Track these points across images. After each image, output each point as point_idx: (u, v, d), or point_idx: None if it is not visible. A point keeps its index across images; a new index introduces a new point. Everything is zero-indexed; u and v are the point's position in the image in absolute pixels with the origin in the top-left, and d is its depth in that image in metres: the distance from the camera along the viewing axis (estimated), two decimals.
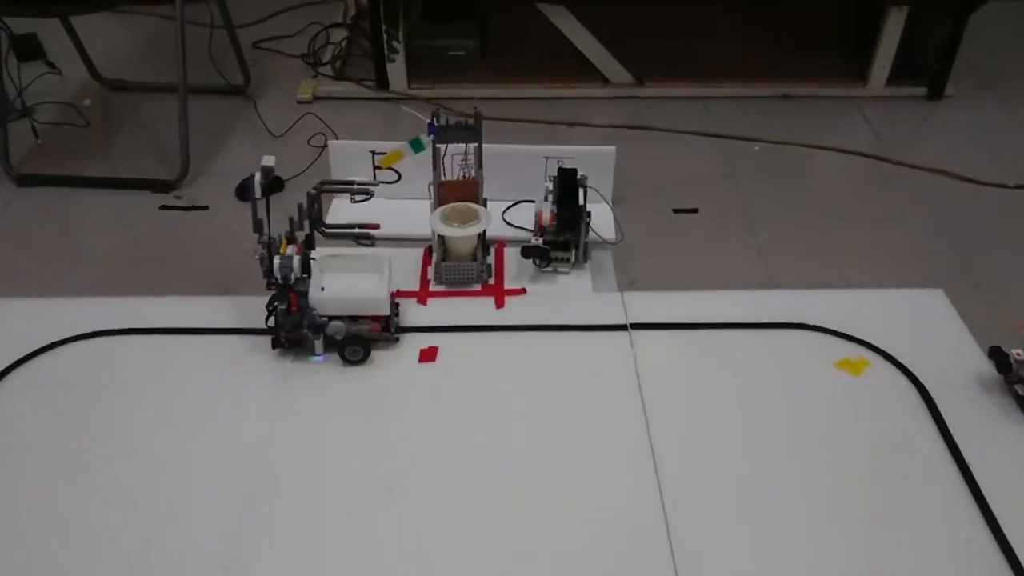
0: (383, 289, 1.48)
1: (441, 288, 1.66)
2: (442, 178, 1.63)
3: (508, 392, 1.45)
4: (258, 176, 1.43)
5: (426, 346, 1.51)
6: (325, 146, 1.96)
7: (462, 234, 1.60)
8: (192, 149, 2.03)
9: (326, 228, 1.51)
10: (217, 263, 1.75)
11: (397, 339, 1.51)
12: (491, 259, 1.73)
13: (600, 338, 1.56)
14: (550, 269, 1.71)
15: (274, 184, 1.97)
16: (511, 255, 1.76)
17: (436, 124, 1.51)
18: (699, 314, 1.61)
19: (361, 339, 1.47)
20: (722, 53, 2.50)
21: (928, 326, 1.61)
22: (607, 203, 1.81)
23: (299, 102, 2.31)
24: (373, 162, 1.85)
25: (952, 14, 2.26)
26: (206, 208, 1.91)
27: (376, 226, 1.52)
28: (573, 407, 1.43)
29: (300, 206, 1.47)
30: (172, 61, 1.99)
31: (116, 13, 2.77)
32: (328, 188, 1.53)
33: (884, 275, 1.74)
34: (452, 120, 1.56)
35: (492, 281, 1.69)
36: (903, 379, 1.49)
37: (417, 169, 1.66)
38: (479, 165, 1.63)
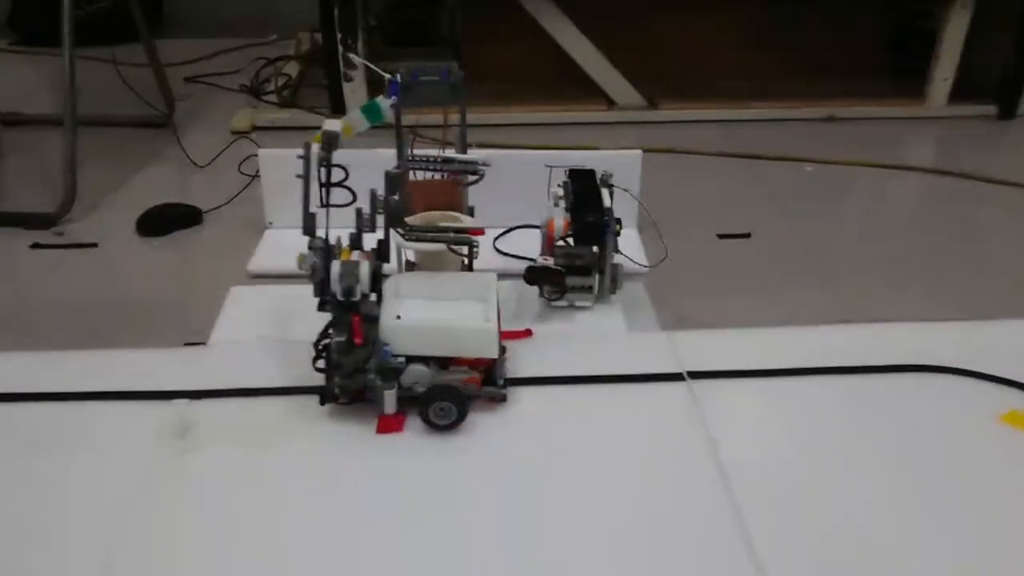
0: (491, 320, 1.00)
1: None
2: (411, 176, 1.16)
3: (513, 477, 0.94)
4: (316, 148, 0.95)
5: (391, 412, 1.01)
6: (256, 175, 1.51)
7: (439, 249, 1.12)
8: (91, 182, 1.58)
9: (410, 231, 1.03)
10: (94, 310, 1.25)
11: (504, 397, 1.02)
12: None
13: (645, 393, 1.06)
14: (564, 303, 1.22)
15: (190, 216, 1.53)
16: (509, 288, 1.27)
17: (400, 82, 1.05)
18: (778, 357, 1.12)
19: (455, 393, 0.98)
20: (747, 72, 2.10)
21: None
22: (637, 199, 1.33)
23: (234, 132, 1.87)
24: (319, 177, 1.39)
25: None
26: (94, 246, 1.43)
27: (481, 231, 1.06)
28: (615, 493, 0.92)
29: (373, 194, 0.99)
30: (79, 97, 1.56)
31: (24, 54, 2.40)
32: (419, 164, 1.04)
33: (1006, 304, 1.28)
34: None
35: None
36: None
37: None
38: (463, 151, 1.17)
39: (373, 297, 0.98)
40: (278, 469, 0.94)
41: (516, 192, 1.39)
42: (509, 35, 1.99)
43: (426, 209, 1.19)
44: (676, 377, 1.08)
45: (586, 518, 0.89)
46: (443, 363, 0.99)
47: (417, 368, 0.98)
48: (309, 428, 0.99)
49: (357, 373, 0.96)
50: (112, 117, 1.89)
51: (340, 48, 1.82)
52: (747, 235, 1.47)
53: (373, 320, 0.96)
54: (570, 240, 1.21)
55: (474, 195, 1.23)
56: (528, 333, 1.17)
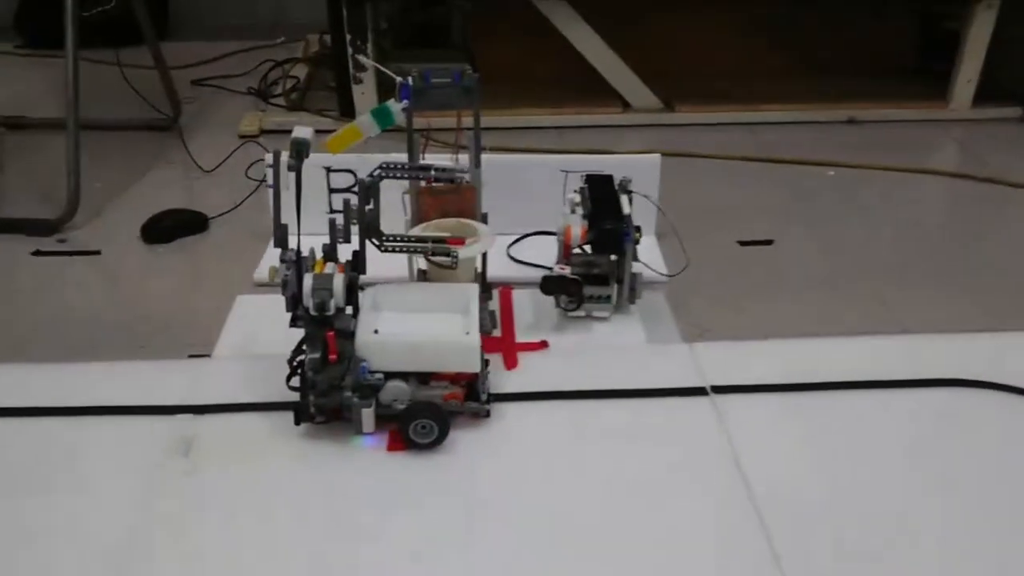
0: (472, 333, 0.96)
1: None
2: (422, 181, 1.13)
3: (530, 496, 0.90)
4: (285, 156, 0.91)
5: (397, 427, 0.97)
6: (264, 180, 1.48)
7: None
8: (95, 187, 1.56)
9: (386, 241, 0.99)
10: (96, 320, 1.21)
11: (487, 413, 0.98)
12: (494, 304, 1.21)
13: (666, 408, 1.02)
14: (581, 313, 1.18)
15: (196, 222, 1.49)
16: (523, 298, 1.23)
17: (411, 85, 1.00)
18: (806, 370, 1.08)
19: (436, 410, 0.93)
20: (765, 74, 2.05)
21: None
22: (657, 206, 1.29)
23: (241, 136, 1.83)
24: (329, 183, 1.35)
25: None
26: (97, 253, 1.39)
27: (461, 241, 1.02)
28: (635, 514, 0.87)
29: (347, 203, 0.96)
30: (84, 100, 1.52)
31: (29, 56, 2.37)
32: (394, 173, 1.00)
33: None
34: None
35: (498, 332, 1.15)
36: None
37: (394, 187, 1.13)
38: (477, 160, 1.12)
39: (349, 311, 0.94)
40: (282, 487, 0.90)
41: (530, 198, 1.35)
42: (520, 35, 1.95)
43: (443, 215, 1.15)
44: (699, 392, 1.04)
45: (603, 541, 0.84)
46: (423, 378, 0.95)
47: (396, 384, 0.94)
48: (314, 445, 0.95)
49: (333, 391, 0.92)
50: (117, 121, 1.86)
51: (350, 50, 1.78)
52: (769, 242, 1.42)
53: (348, 335, 0.92)
54: (587, 248, 1.17)
55: (487, 201, 1.19)
56: (544, 345, 1.13)
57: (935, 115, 1.95)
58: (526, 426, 0.99)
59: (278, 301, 0.94)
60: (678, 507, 0.88)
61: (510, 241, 1.37)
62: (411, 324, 0.98)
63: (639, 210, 1.21)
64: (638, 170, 1.31)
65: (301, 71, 2.15)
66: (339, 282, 0.91)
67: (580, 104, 1.92)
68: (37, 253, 1.38)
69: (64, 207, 1.45)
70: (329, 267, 0.94)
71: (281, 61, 2.20)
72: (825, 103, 1.95)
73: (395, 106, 1.00)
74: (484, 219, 1.16)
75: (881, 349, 1.13)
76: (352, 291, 0.94)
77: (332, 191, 1.26)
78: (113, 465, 0.93)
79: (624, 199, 1.17)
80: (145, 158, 1.74)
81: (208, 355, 1.12)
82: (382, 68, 1.06)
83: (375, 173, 0.98)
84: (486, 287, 1.18)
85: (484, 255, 1.14)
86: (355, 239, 0.97)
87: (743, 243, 1.42)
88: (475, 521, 0.86)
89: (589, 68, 1.91)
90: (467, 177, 1.03)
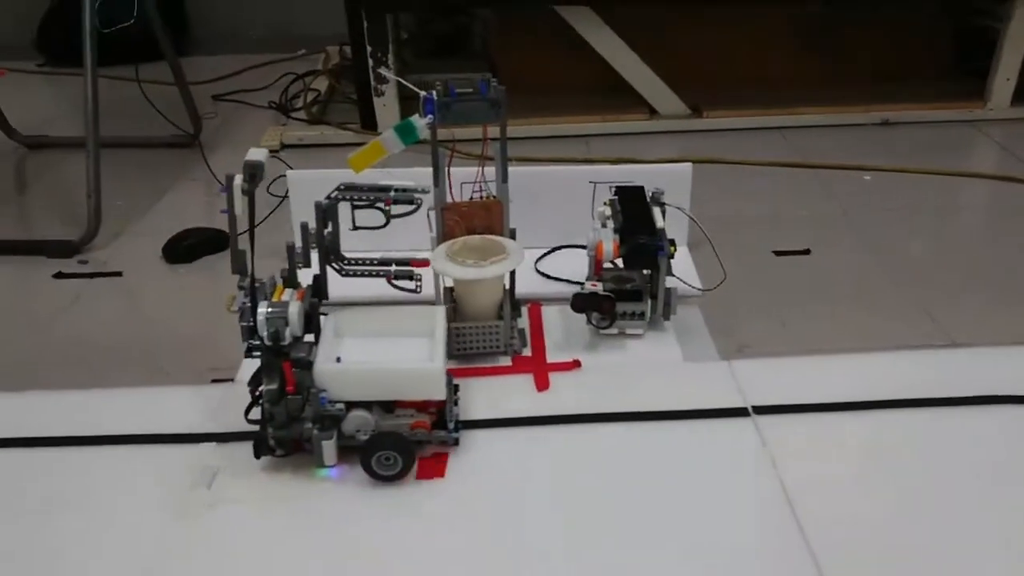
0: (437, 358, 0.93)
1: (451, 364, 1.08)
2: (448, 197, 1.09)
3: (565, 526, 0.86)
4: (239, 179, 0.88)
5: (428, 453, 0.93)
6: (286, 196, 1.45)
7: (481, 276, 1.04)
8: (116, 206, 1.54)
9: (347, 264, 0.97)
10: (117, 344, 1.19)
11: (456, 442, 0.94)
12: (523, 322, 1.17)
13: (706, 430, 0.98)
14: (614, 331, 1.14)
15: (218, 241, 1.47)
16: (552, 315, 1.19)
17: (436, 99, 0.97)
18: (854, 388, 1.03)
19: (399, 440, 0.90)
20: (794, 76, 2.00)
21: None
22: (691, 218, 1.25)
23: None
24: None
25: None
26: (119, 275, 1.37)
27: (425, 263, 0.99)
28: (673, 544, 0.83)
29: (305, 227, 0.94)
30: (105, 117, 1.51)
31: (50, 75, 2.37)
32: (351, 195, 0.97)
33: None
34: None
35: (528, 351, 1.12)
36: None
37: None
38: (503, 175, 1.09)
39: (311, 338, 0.91)
40: (304, 524, 0.87)
41: (558, 210, 1.31)
42: (540, 42, 1.92)
43: (469, 232, 1.11)
44: (740, 412, 0.99)
45: (637, 572, 0.80)
46: (388, 407, 0.91)
47: (358, 415, 0.90)
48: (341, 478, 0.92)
49: (293, 422, 0.89)
50: (138, 138, 1.85)
51: (370, 62, 1.75)
52: (806, 251, 1.37)
53: (307, 366, 0.88)
54: (618, 262, 1.13)
55: (513, 215, 1.15)
56: (576, 364, 1.09)
57: (973, 115, 1.89)
58: (559, 450, 0.95)
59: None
60: (720, 535, 0.84)
61: (538, 255, 1.33)
62: (373, 351, 0.95)
63: (670, 220, 1.16)
64: (668, 179, 1.26)
65: (322, 84, 2.13)
66: (294, 310, 0.87)
67: (606, 111, 1.88)
68: (59, 276, 1.36)
69: (85, 227, 1.44)
70: (287, 294, 0.90)
71: (302, 74, 2.18)
72: (858, 105, 1.90)
73: (419, 121, 0.96)
74: (512, 235, 1.12)
75: (929, 364, 1.08)
76: (311, 318, 0.91)
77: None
78: (133, 497, 0.90)
79: (656, 211, 1.13)
80: (166, 175, 1.72)
81: (231, 379, 1.09)
82: (405, 83, 1.03)
83: (332, 195, 0.96)
84: (515, 304, 1.14)
85: (512, 271, 1.10)
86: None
87: (779, 253, 1.38)
88: (491, 552, 0.83)
89: (614, 74, 1.88)
90: (423, 199, 0.99)
